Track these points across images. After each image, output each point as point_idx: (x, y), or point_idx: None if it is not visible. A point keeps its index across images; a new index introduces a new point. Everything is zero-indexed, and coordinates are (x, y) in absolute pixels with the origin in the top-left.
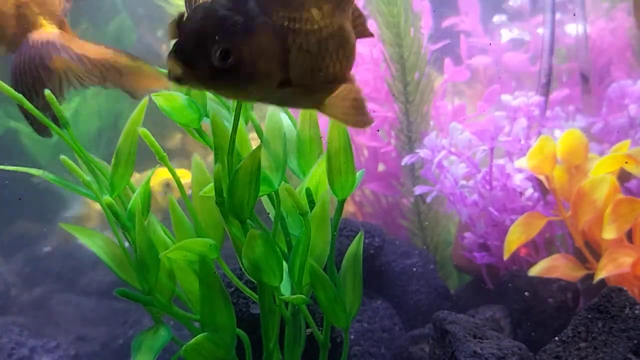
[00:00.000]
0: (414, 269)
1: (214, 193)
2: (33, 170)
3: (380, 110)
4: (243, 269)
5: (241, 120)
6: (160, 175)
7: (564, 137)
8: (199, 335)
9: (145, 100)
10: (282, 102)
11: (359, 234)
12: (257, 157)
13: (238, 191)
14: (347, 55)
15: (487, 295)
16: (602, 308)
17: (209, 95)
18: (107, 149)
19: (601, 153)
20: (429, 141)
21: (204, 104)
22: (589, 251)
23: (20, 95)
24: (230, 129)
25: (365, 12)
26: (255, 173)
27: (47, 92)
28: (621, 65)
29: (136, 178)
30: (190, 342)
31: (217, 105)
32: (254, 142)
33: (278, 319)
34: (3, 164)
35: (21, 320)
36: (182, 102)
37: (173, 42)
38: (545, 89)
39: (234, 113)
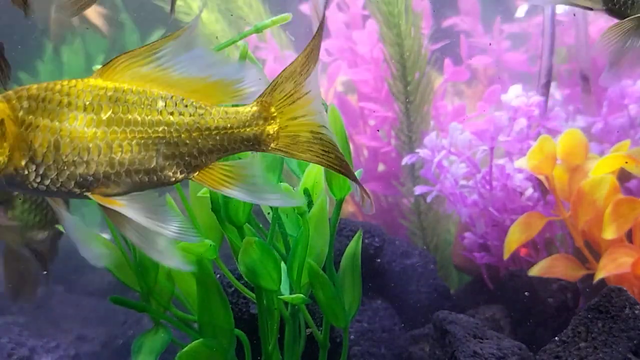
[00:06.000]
0: (414, 269)
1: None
2: None
3: (380, 110)
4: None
5: None
6: None
7: (564, 137)
8: (194, 342)
9: None
10: None
11: (358, 234)
12: None
13: (233, 199)
14: None
15: (487, 295)
16: (602, 308)
17: None
18: None
19: (601, 153)
20: (429, 141)
21: None
22: (589, 251)
23: None
24: None
25: (365, 12)
26: None
27: None
28: None
29: None
30: (185, 349)
31: None
32: None
33: (277, 321)
34: None
35: (21, 320)
36: None
37: None
38: (545, 89)
39: None
